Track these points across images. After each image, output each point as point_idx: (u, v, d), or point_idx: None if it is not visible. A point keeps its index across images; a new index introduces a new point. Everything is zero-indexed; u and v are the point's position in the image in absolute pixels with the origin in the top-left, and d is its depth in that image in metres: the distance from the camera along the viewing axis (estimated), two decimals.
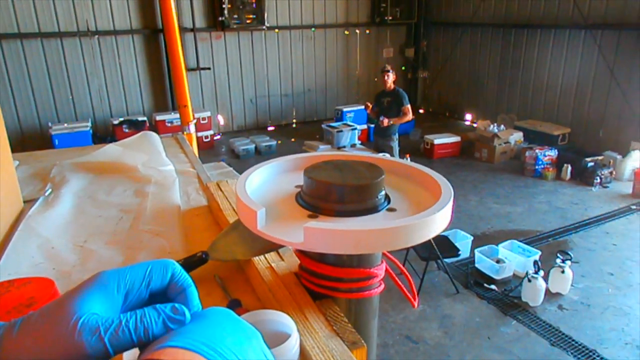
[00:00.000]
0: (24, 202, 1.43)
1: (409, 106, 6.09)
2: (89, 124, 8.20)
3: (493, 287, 4.56)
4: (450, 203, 0.76)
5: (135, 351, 0.58)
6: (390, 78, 6.10)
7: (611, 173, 7.12)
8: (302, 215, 0.78)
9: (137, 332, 0.39)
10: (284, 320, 0.65)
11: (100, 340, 0.38)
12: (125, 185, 1.56)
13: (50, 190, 1.52)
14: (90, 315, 0.39)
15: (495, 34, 9.83)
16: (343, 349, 0.69)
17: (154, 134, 1.98)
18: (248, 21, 9.56)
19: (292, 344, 0.61)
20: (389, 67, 6.22)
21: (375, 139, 6.59)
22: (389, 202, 0.82)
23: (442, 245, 4.54)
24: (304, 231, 0.67)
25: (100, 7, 8.36)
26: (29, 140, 8.16)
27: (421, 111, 11.76)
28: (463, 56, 10.71)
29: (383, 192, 0.81)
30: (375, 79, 11.12)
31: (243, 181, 0.83)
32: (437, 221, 0.72)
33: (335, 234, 0.67)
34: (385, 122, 6.00)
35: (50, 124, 8.00)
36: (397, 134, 6.26)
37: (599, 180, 6.99)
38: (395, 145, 6.24)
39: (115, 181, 1.60)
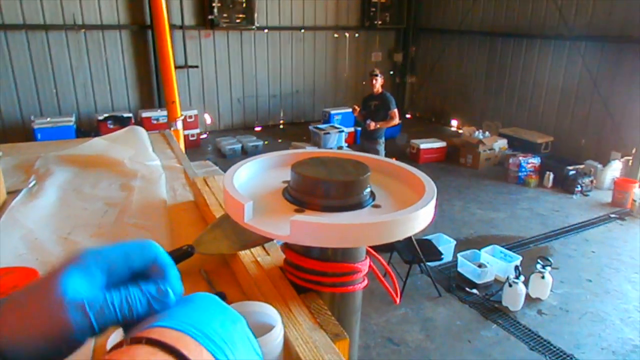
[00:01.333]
0: (7, 193, 1.41)
1: (396, 110, 6.13)
2: (73, 118, 8.10)
3: (475, 291, 4.62)
4: (434, 201, 0.78)
5: (120, 334, 0.59)
6: (379, 82, 6.13)
7: (592, 182, 7.26)
8: (289, 209, 0.79)
9: (122, 310, 0.40)
10: (269, 312, 0.66)
11: (86, 316, 0.38)
12: (111, 179, 1.55)
13: (34, 182, 1.50)
14: (76, 292, 0.39)
15: (483, 42, 9.97)
16: (326, 341, 0.70)
17: (140, 128, 1.98)
18: (238, 21, 9.54)
19: (276, 334, 0.62)
20: (377, 71, 6.24)
21: (361, 142, 6.61)
22: (374, 199, 0.83)
23: (426, 249, 4.58)
24: (291, 224, 0.68)
25: (88, 1, 8.27)
26: (11, 133, 8.02)
27: (408, 116, 11.85)
28: (450, 63, 10.83)
29: (368, 189, 0.82)
30: (364, 82, 11.18)
31: (231, 175, 0.84)
32: (420, 217, 0.74)
33: (321, 227, 0.68)
34: (372, 125, 6.03)
35: (32, 118, 7.88)
36: (383, 138, 6.30)
37: (579, 189, 7.12)
38: (381, 148, 6.28)
39: (100, 174, 1.59)
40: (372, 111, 6.16)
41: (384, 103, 6.13)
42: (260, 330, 0.63)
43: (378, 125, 6.07)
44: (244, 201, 0.73)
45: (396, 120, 6.22)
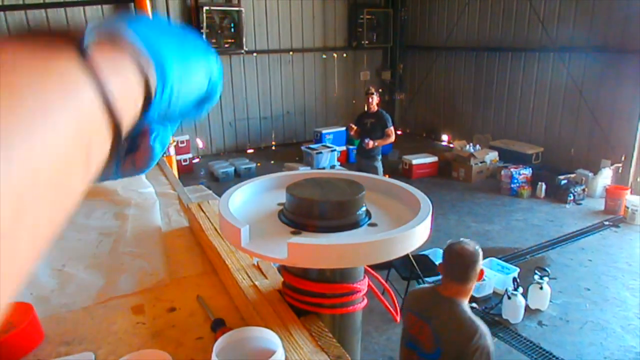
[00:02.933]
0: None
1: (392, 128, 6.14)
2: None
3: (474, 305, 4.59)
4: (429, 217, 0.78)
5: None
6: (375, 100, 6.12)
7: (584, 190, 7.31)
8: (285, 232, 0.79)
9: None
10: (269, 337, 0.66)
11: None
12: (104, 208, 1.54)
13: None
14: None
15: (469, 57, 10.12)
16: None
17: None
18: (226, 45, 9.63)
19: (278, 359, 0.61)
20: (372, 90, 6.23)
21: (358, 160, 6.58)
22: (370, 218, 0.83)
23: (423, 265, 4.57)
24: (288, 247, 0.68)
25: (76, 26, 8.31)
26: None
27: (399, 132, 11.91)
28: (438, 78, 10.98)
29: (364, 208, 0.82)
30: (354, 101, 11.29)
31: (226, 200, 0.84)
32: (417, 234, 0.74)
33: (319, 248, 0.68)
34: (371, 144, 6.00)
35: None
36: (380, 155, 6.30)
37: (572, 198, 7.17)
38: (379, 165, 6.27)
39: (94, 204, 1.58)
40: (368, 129, 6.12)
41: (381, 121, 6.12)
42: (261, 355, 0.62)
43: (376, 144, 6.06)
44: (240, 225, 0.73)
45: (392, 138, 6.21)
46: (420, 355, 2.10)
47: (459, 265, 2.08)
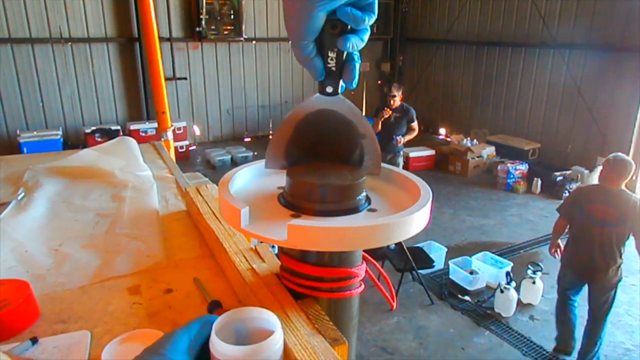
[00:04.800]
0: None
1: (416, 122, 6.09)
2: (60, 132, 8.03)
3: (467, 298, 4.63)
4: (429, 204, 0.78)
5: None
6: (397, 102, 5.96)
7: None
8: (285, 214, 0.79)
9: None
10: (268, 317, 0.66)
11: None
12: (101, 190, 1.54)
13: (22, 194, 1.48)
14: None
15: (469, 51, 10.10)
16: (325, 346, 0.69)
17: (131, 139, 1.96)
18: (225, 32, 9.57)
19: (277, 340, 0.61)
20: (394, 92, 5.95)
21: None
22: (369, 203, 0.83)
23: (417, 257, 4.59)
24: (288, 229, 0.68)
25: (74, 14, 8.24)
26: None
27: None
28: (437, 72, 10.95)
29: (364, 194, 0.82)
30: (352, 93, 11.24)
31: (226, 181, 0.84)
32: (417, 220, 0.74)
33: (318, 231, 0.68)
34: (402, 140, 5.95)
35: (18, 132, 7.80)
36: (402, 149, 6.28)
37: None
38: (401, 160, 6.25)
39: (91, 186, 1.57)
40: (393, 124, 5.99)
41: (406, 115, 6.03)
42: (259, 335, 0.62)
43: (405, 140, 6.00)
44: (240, 206, 0.73)
45: (417, 132, 6.16)
46: (609, 227, 3.50)
47: (619, 167, 3.46)
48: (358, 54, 0.75)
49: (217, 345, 0.58)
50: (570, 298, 3.89)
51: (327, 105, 0.81)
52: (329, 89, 0.78)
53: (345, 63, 0.74)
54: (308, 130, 0.83)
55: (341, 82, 0.77)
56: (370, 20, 0.68)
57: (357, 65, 0.75)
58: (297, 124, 0.83)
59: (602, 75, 7.69)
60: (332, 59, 0.74)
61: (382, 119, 5.93)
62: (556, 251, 3.95)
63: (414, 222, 0.74)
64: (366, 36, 0.71)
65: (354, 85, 0.76)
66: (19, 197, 1.45)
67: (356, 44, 0.70)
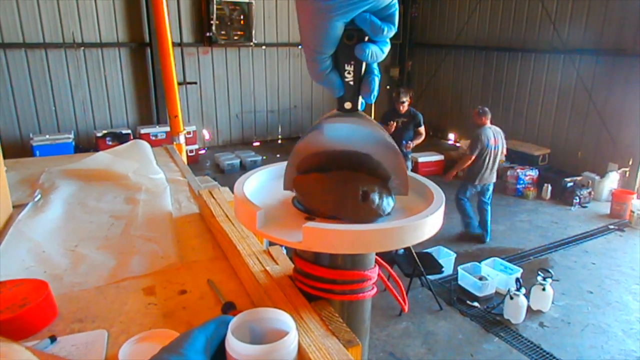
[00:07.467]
0: (13, 207, 1.42)
1: (423, 126, 6.12)
2: (72, 135, 8.12)
3: (476, 304, 4.60)
4: (442, 208, 0.79)
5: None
6: (405, 108, 6.04)
7: (590, 193, 7.29)
8: (299, 217, 0.80)
9: None
10: (283, 318, 0.67)
11: None
12: (115, 192, 1.56)
13: (39, 195, 1.51)
14: None
15: (478, 56, 10.08)
16: (339, 347, 0.70)
17: (144, 142, 1.99)
18: (235, 37, 9.64)
19: (291, 340, 0.62)
20: (403, 97, 6.02)
21: None
22: None
23: (426, 262, 4.58)
24: (303, 231, 0.69)
25: (87, 20, 8.35)
26: (9, 150, 8.01)
27: None
28: (447, 77, 10.94)
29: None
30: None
31: (241, 184, 0.85)
32: (430, 224, 0.75)
33: (333, 233, 0.69)
34: (411, 146, 6.00)
35: (31, 135, 7.90)
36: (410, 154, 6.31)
37: (578, 200, 7.15)
38: (410, 165, 6.30)
39: (105, 188, 1.59)
40: (400, 128, 6.06)
41: (413, 120, 6.08)
42: (274, 336, 0.63)
43: (414, 144, 6.05)
44: (256, 209, 0.74)
45: (424, 136, 6.21)
46: None
47: None
48: (378, 67, 0.71)
49: (233, 344, 0.59)
50: None
51: (346, 139, 0.76)
52: (347, 105, 0.72)
53: (364, 76, 0.70)
54: (327, 162, 0.80)
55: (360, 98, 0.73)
56: (390, 32, 0.65)
57: (377, 80, 0.70)
58: (315, 154, 0.79)
59: (613, 81, 7.64)
60: (349, 73, 0.69)
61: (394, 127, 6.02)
62: None
63: (427, 225, 0.75)
64: (386, 49, 0.67)
65: (372, 100, 0.72)
66: (36, 199, 1.48)
67: (376, 53, 0.66)
